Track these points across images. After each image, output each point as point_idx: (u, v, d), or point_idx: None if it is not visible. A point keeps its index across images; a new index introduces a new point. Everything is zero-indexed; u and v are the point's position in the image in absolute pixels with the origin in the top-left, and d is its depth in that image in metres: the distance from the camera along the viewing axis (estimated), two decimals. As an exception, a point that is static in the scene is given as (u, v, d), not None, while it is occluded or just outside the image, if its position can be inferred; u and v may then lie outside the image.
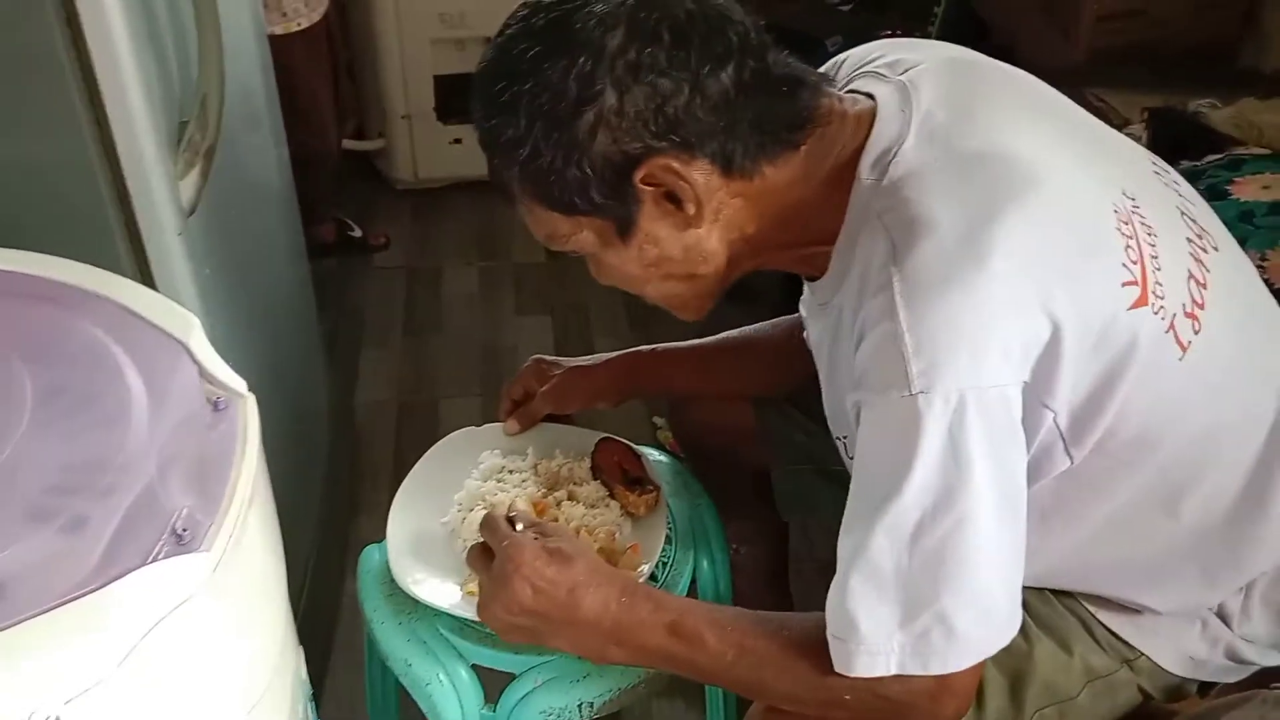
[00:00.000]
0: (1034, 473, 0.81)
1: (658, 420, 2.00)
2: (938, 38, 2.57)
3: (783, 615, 0.86)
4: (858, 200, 0.82)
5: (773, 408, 1.21)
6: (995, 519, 0.75)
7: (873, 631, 0.76)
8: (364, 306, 2.45)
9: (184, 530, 0.72)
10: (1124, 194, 0.83)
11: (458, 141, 2.69)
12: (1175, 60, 2.18)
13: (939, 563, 0.75)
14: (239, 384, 0.85)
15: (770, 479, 1.25)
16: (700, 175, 0.82)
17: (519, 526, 0.92)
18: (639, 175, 0.81)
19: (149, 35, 0.95)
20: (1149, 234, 0.82)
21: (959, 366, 0.73)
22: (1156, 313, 0.79)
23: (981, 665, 0.79)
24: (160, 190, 1.00)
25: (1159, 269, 0.81)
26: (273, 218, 1.54)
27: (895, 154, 0.81)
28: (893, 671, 0.77)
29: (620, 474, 1.15)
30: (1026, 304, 0.75)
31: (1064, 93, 0.94)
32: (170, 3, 0.99)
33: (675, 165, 0.80)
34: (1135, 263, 0.79)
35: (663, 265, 0.87)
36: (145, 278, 1.05)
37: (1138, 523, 0.87)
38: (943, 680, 0.77)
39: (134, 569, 0.67)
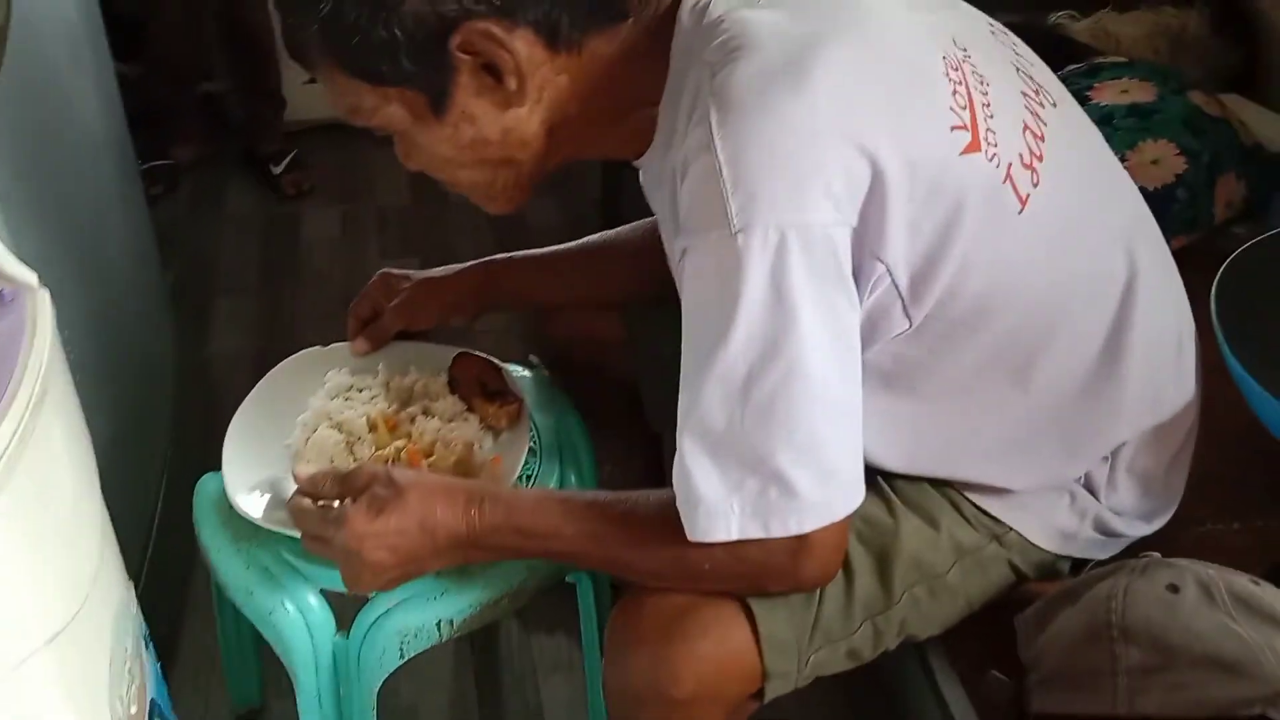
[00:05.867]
0: (871, 334, 0.78)
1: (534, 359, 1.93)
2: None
3: (638, 493, 0.83)
4: (679, 47, 0.78)
5: (640, 314, 1.15)
6: (827, 368, 0.71)
7: (710, 493, 0.73)
8: (217, 254, 2.31)
9: (-49, 433, 0.63)
10: (954, 43, 0.80)
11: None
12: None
13: (770, 415, 0.71)
14: (28, 276, 0.75)
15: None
16: (523, 46, 0.76)
17: (335, 505, 0.86)
18: (455, 41, 0.74)
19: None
20: (980, 82, 0.79)
21: (778, 200, 0.69)
22: (990, 160, 0.76)
23: (840, 527, 0.76)
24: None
25: (991, 117, 0.78)
26: (99, 156, 1.42)
27: None
28: (734, 535, 0.73)
29: (479, 388, 1.08)
30: (846, 140, 0.71)
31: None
32: None
33: (496, 31, 0.74)
34: (964, 108, 0.76)
35: (478, 148, 0.81)
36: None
37: (988, 393, 0.84)
38: (801, 540, 0.74)
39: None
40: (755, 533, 0.73)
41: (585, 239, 1.15)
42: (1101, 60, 1.65)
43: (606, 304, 1.17)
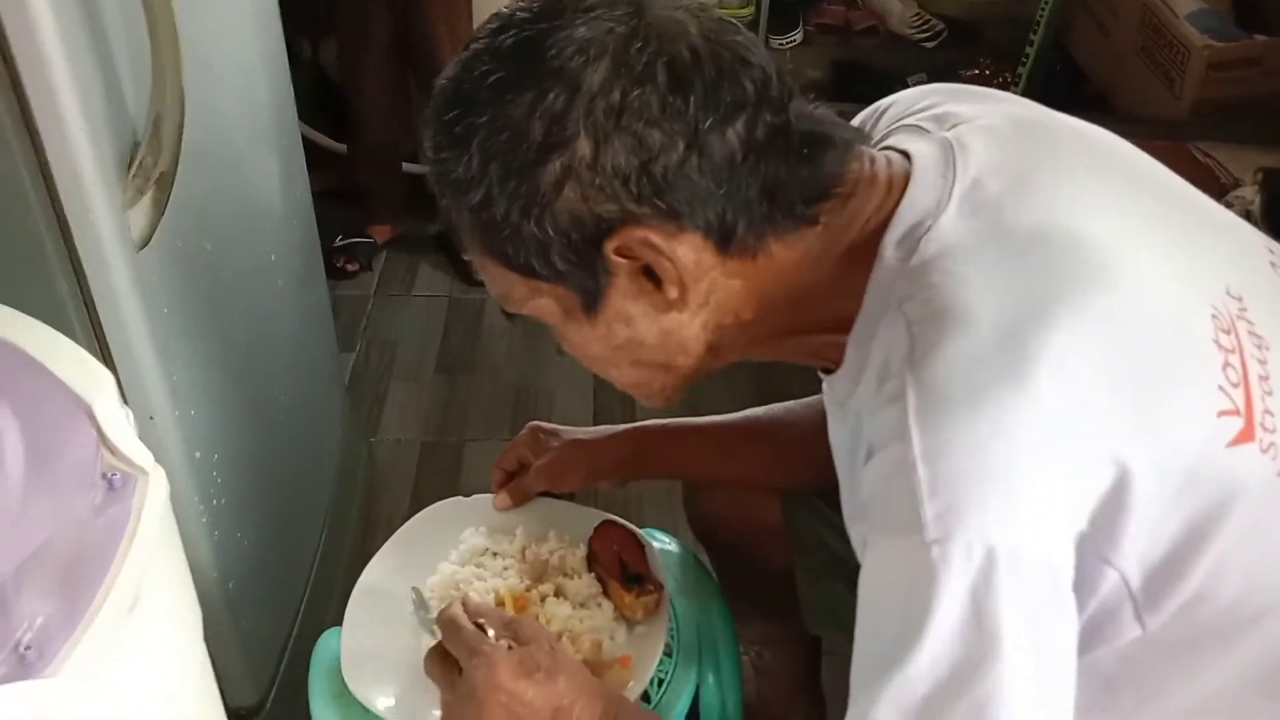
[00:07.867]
0: (1093, 638, 0.64)
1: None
2: (1028, 79, 2.38)
3: None
4: (878, 283, 0.67)
5: (802, 503, 1.04)
6: (1031, 703, 0.58)
7: None
8: (399, 337, 2.33)
9: (29, 648, 0.59)
10: (1228, 293, 0.66)
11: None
12: (1295, 116, 1.97)
13: None
14: (144, 457, 0.72)
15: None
16: (689, 252, 0.67)
17: (490, 633, 0.80)
18: (611, 245, 0.67)
19: (90, 40, 0.83)
20: (1258, 347, 0.65)
21: (987, 513, 0.57)
22: (1265, 450, 0.62)
23: None
24: (103, 218, 0.87)
25: (1269, 393, 0.64)
26: (276, 246, 1.41)
27: (929, 228, 0.65)
28: None
29: (619, 568, 0.99)
30: (1078, 443, 0.58)
31: (1166, 148, 0.77)
32: (125, 5, 0.87)
33: (656, 239, 0.66)
34: (1237, 385, 0.62)
35: (633, 350, 0.73)
36: (91, 317, 0.93)
37: (1232, 707, 0.69)
38: None
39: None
40: None
41: (751, 413, 1.05)
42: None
43: (765, 486, 1.06)
